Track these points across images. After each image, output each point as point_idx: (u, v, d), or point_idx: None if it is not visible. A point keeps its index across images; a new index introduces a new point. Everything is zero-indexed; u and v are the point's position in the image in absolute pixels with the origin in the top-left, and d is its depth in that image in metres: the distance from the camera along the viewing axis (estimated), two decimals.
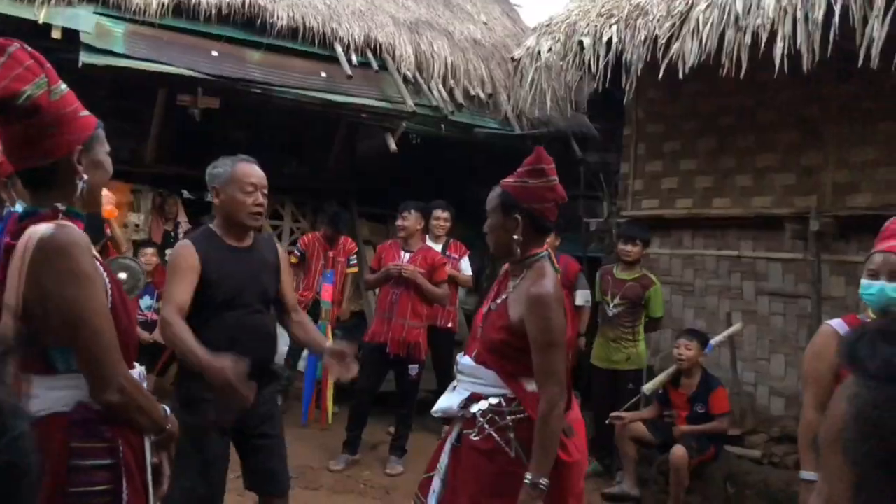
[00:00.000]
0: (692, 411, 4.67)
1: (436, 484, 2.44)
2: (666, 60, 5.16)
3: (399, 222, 5.14)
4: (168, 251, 6.67)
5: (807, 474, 2.50)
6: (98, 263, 1.66)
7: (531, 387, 2.31)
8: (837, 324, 2.47)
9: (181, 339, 2.55)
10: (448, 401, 2.46)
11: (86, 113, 1.69)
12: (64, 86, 1.64)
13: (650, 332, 5.34)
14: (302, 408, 5.82)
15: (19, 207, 2.58)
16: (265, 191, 2.80)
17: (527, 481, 2.19)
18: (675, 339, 4.92)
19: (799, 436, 2.61)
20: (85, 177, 1.66)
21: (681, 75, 5.07)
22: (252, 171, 2.76)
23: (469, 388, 2.42)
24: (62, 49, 5.96)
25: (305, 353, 6.36)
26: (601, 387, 5.19)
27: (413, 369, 5.03)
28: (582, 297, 5.60)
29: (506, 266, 2.53)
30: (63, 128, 1.61)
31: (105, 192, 3.43)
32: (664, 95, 6.53)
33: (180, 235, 6.94)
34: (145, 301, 6.13)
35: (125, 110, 7.31)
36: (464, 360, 2.48)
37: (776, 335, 5.74)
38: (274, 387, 2.96)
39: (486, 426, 2.32)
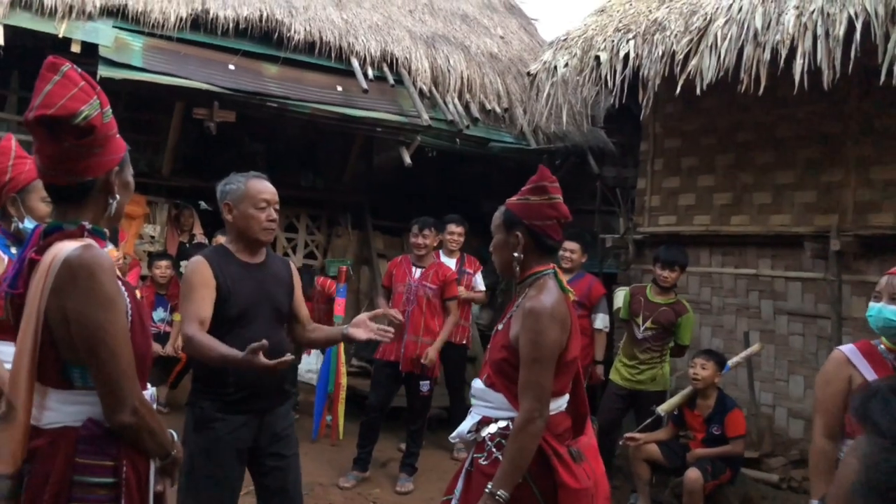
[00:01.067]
0: (708, 433, 4.58)
1: None
2: (684, 76, 5.10)
3: (418, 240, 5.05)
4: (183, 263, 6.73)
5: (817, 503, 2.45)
6: (121, 284, 1.67)
7: None
8: (849, 349, 2.45)
9: (207, 347, 2.49)
10: (463, 425, 2.44)
11: (118, 135, 1.75)
12: (109, 108, 1.68)
13: (673, 357, 5.23)
14: (312, 423, 5.78)
15: (28, 224, 2.59)
16: (277, 206, 2.79)
17: (487, 490, 2.17)
18: (692, 358, 4.83)
19: (809, 462, 2.58)
20: (118, 196, 1.71)
21: (698, 91, 5.01)
22: (264, 188, 2.75)
23: (480, 412, 2.39)
24: (81, 62, 6.02)
25: (316, 366, 6.34)
26: (612, 403, 5.10)
27: (424, 385, 4.98)
28: (602, 321, 5.47)
29: None
30: (106, 148, 1.67)
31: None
32: (682, 111, 6.47)
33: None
34: (158, 314, 6.15)
35: (142, 123, 7.37)
36: (476, 383, 2.46)
37: (795, 356, 5.63)
38: (288, 405, 2.92)
39: (494, 450, 2.28)
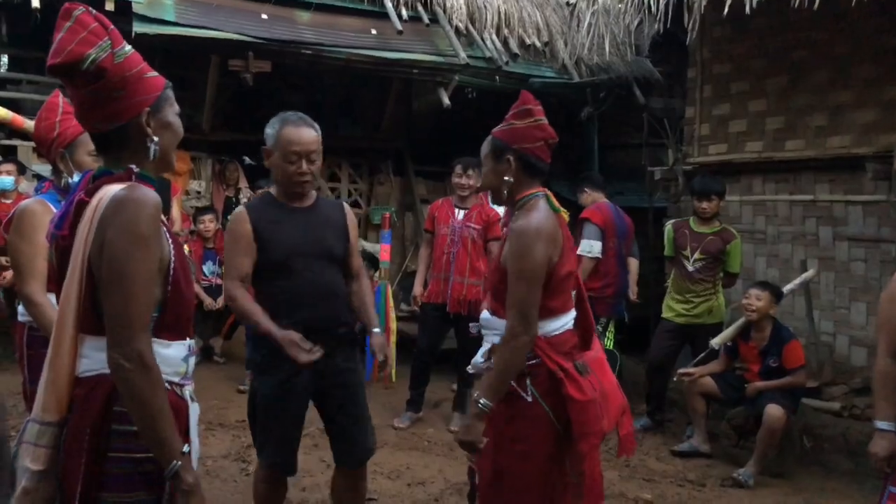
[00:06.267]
0: (764, 365, 4.48)
1: None
2: None
3: (462, 181, 4.96)
4: (230, 217, 6.80)
5: (881, 423, 2.46)
6: (164, 230, 1.62)
7: (543, 330, 2.31)
8: None
9: (247, 310, 2.61)
10: (476, 355, 2.48)
11: (153, 74, 1.67)
12: (128, 47, 1.62)
13: (725, 288, 5.13)
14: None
15: (77, 178, 2.62)
16: (313, 155, 2.66)
17: (473, 397, 2.29)
18: (746, 290, 4.71)
19: (873, 383, 2.52)
20: (155, 139, 1.65)
21: (747, 10, 4.76)
22: (297, 137, 2.62)
23: (490, 341, 2.43)
24: (116, 20, 6.02)
25: None
26: (665, 340, 5.04)
27: (474, 327, 4.89)
28: (582, 247, 5.10)
29: None
30: (129, 90, 1.61)
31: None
32: (730, 33, 6.18)
33: (241, 201, 7.04)
34: (208, 267, 6.25)
35: (180, 79, 7.36)
36: (483, 314, 2.50)
37: (857, 282, 5.44)
38: (348, 350, 2.80)
39: None
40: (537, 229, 2.25)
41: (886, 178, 5.08)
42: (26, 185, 5.68)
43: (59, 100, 2.69)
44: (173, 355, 1.66)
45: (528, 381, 2.30)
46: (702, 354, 4.73)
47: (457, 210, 4.98)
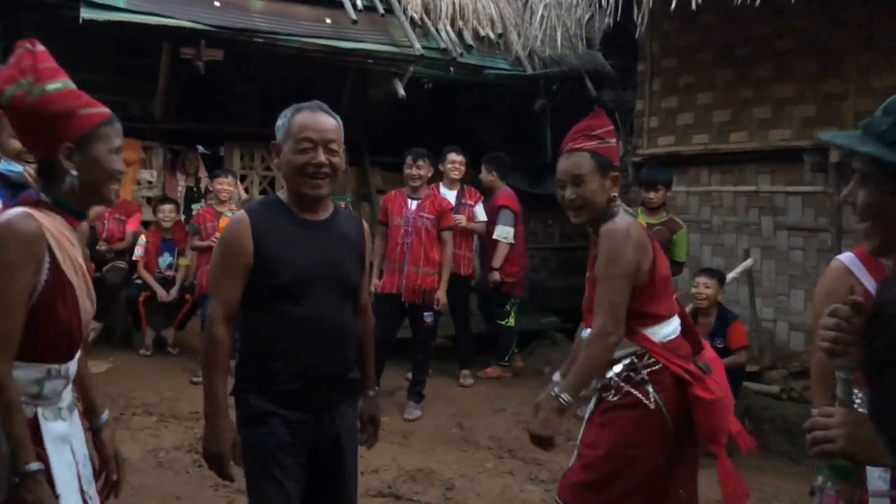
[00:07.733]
0: (711, 347, 4.65)
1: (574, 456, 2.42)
2: None
3: (413, 171, 5.03)
4: (195, 206, 6.71)
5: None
6: (46, 257, 1.62)
7: (657, 336, 2.34)
8: (848, 259, 2.37)
9: (209, 372, 2.13)
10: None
11: (90, 110, 1.68)
12: (54, 85, 1.64)
13: (672, 276, 5.28)
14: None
15: (3, 164, 2.58)
16: (333, 145, 2.12)
17: (553, 392, 2.24)
18: (693, 278, 4.87)
19: (811, 374, 2.60)
20: (74, 173, 1.66)
21: (693, 5, 4.90)
22: (311, 122, 2.11)
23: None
24: (64, 5, 5.89)
25: None
26: None
27: (428, 316, 5.05)
28: (499, 232, 5.83)
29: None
30: (48, 127, 1.64)
31: None
32: (678, 28, 6.34)
33: (202, 191, 6.99)
34: (165, 259, 6.19)
35: (132, 67, 7.24)
36: (585, 333, 2.44)
37: (796, 270, 5.66)
38: (353, 401, 2.31)
39: (623, 384, 2.33)
40: (626, 232, 2.27)
41: (823, 170, 5.29)
42: None
43: None
44: (22, 377, 1.65)
45: (650, 389, 2.29)
46: None
47: (409, 200, 5.04)
